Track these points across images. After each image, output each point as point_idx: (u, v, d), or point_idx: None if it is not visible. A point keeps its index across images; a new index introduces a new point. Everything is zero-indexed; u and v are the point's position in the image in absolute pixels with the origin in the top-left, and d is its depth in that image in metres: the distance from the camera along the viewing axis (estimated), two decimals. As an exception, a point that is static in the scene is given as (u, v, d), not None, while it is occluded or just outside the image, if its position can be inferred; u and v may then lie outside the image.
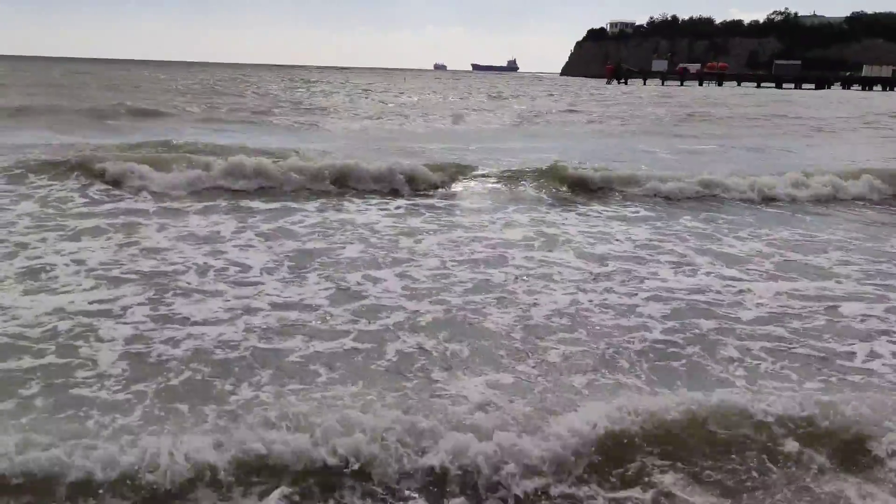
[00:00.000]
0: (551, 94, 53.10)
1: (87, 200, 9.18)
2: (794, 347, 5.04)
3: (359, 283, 6.18)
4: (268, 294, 5.83)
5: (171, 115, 23.56)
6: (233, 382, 4.24)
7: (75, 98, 28.80)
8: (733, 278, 6.66)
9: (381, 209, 9.44)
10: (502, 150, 16.19)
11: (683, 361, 4.75)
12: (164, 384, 4.19)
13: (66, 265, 6.39)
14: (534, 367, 4.57)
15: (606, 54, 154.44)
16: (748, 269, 7.00)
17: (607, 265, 6.98)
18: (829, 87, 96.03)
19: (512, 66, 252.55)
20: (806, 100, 55.43)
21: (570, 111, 34.62)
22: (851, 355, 4.93)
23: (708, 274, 6.82)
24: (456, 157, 14.30)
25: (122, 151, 12.26)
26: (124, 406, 3.91)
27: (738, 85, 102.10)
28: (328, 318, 5.35)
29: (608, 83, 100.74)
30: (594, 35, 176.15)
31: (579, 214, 9.67)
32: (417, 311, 5.53)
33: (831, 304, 5.98)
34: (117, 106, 24.64)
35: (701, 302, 5.95)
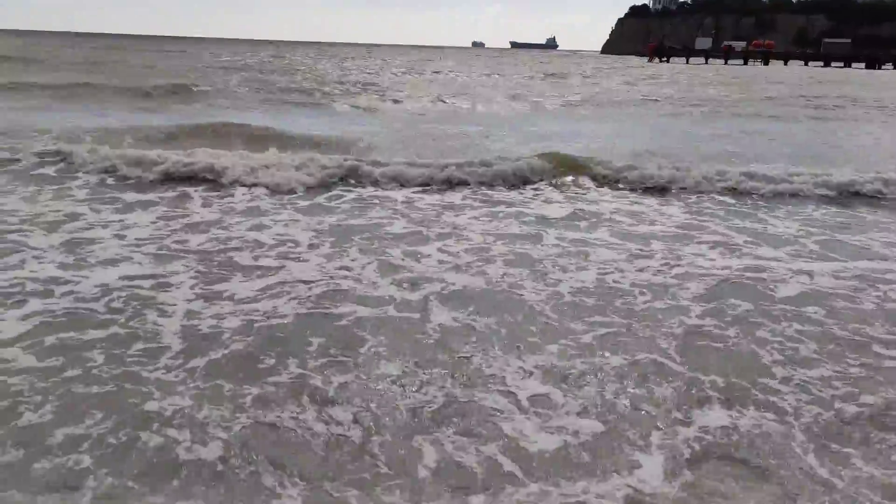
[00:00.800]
0: (602, 72, 52.31)
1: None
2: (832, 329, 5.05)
3: (402, 258, 6.31)
4: (314, 268, 5.99)
5: (238, 97, 22.53)
6: (279, 357, 4.42)
7: (132, 76, 28.33)
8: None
9: (422, 187, 9.53)
10: (586, 135, 15.93)
11: (720, 345, 4.79)
12: (216, 357, 4.39)
13: (116, 238, 6.65)
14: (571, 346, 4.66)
15: (648, 31, 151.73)
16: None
17: (650, 244, 7.01)
18: (879, 68, 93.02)
19: (551, 44, 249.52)
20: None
21: (633, 91, 34.04)
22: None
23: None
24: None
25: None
26: (178, 381, 4.12)
27: (785, 64, 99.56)
28: (374, 289, 5.50)
29: (650, 61, 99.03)
30: (637, 12, 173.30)
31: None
32: (456, 283, 5.65)
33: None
34: (177, 86, 23.78)
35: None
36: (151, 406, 3.77)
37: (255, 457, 3.38)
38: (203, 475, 3.23)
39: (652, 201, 9.31)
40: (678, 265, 6.46)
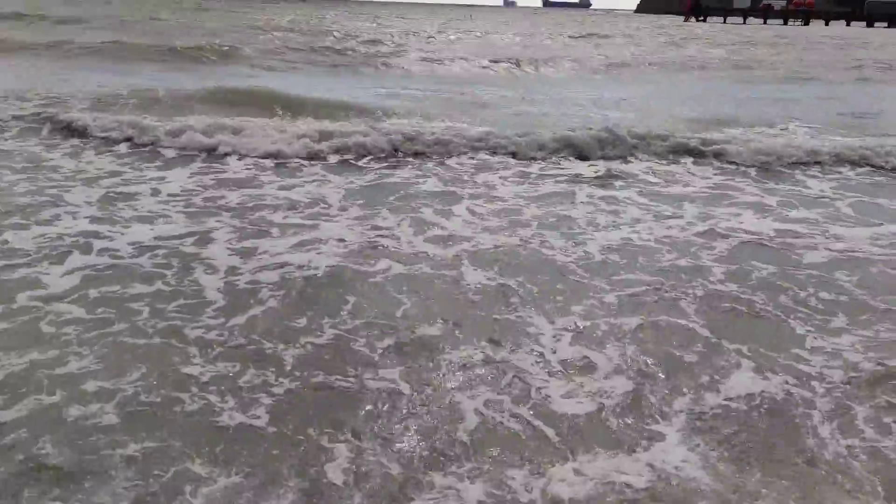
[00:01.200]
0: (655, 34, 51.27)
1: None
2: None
3: (435, 216, 6.35)
4: (346, 226, 6.06)
5: (275, 59, 21.22)
6: (318, 316, 4.51)
7: (169, 36, 27.86)
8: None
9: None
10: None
11: (745, 308, 4.78)
12: (256, 315, 4.49)
13: (154, 194, 6.79)
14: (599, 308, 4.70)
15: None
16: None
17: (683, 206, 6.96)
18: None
19: (584, 3, 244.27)
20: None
21: (679, 52, 33.22)
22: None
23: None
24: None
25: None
26: (220, 340, 4.24)
27: (826, 24, 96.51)
28: (408, 247, 5.57)
29: (686, 20, 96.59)
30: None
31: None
32: (488, 242, 5.69)
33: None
34: (215, 47, 21.95)
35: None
36: (195, 363, 3.87)
37: (301, 417, 3.45)
38: (248, 438, 3.28)
39: (688, 161, 9.20)
40: (709, 226, 6.42)
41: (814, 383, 3.87)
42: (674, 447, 3.29)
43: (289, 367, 3.85)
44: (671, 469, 3.14)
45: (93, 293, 4.66)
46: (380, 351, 4.06)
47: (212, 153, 8.64)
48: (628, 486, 3.03)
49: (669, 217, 6.70)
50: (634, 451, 3.27)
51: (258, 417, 3.41)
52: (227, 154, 8.60)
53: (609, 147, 9.37)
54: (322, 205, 6.76)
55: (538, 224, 6.38)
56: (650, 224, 6.47)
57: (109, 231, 5.80)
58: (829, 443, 3.36)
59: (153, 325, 4.25)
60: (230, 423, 3.35)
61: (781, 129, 11.70)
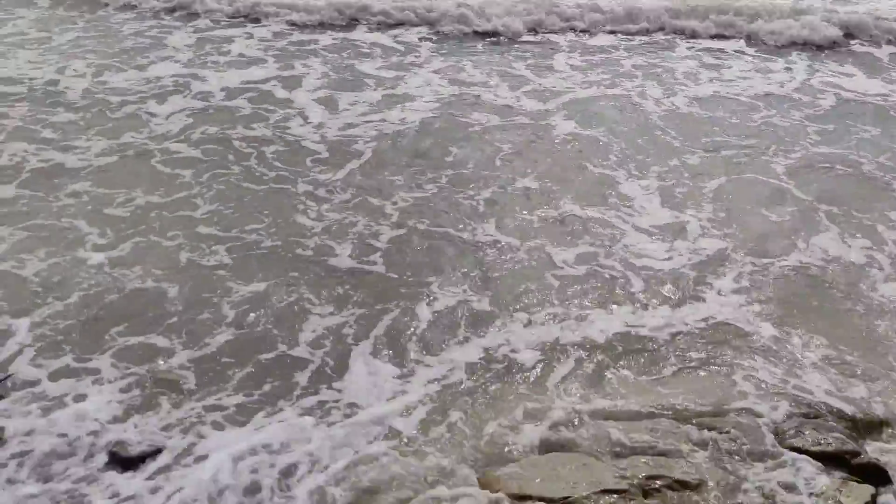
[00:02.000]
0: None
1: None
2: None
3: (529, 69, 6.31)
4: (440, 77, 6.11)
5: None
6: (418, 165, 4.72)
7: None
8: None
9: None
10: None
11: (843, 169, 4.73)
12: (360, 165, 4.73)
13: (246, 40, 6.92)
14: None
15: None
16: None
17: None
18: None
19: None
20: None
21: None
22: None
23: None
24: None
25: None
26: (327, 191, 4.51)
27: None
28: (502, 99, 5.64)
29: None
30: None
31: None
32: (582, 95, 5.70)
33: None
34: None
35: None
36: (309, 212, 4.12)
37: (409, 259, 3.73)
38: (364, 279, 3.58)
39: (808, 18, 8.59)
40: (811, 85, 6.18)
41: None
42: (734, 298, 3.46)
43: (395, 218, 4.09)
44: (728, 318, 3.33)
45: (197, 135, 4.96)
46: (478, 202, 4.25)
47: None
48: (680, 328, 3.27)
49: (773, 73, 6.48)
50: (698, 302, 3.45)
51: (373, 263, 3.70)
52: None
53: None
54: (414, 54, 6.77)
55: (638, 77, 6.26)
56: (754, 80, 6.29)
57: (206, 75, 6.03)
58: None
59: (262, 172, 4.54)
60: (342, 266, 3.67)
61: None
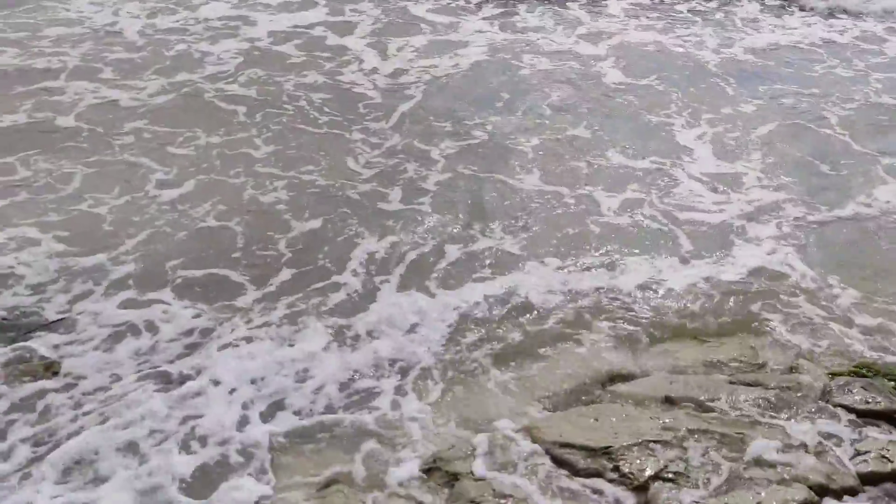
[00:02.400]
0: None
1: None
2: None
3: (583, 12, 6.21)
4: (489, 24, 6.07)
5: None
6: (468, 109, 4.74)
7: None
8: None
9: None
10: None
11: None
12: (409, 110, 4.75)
13: None
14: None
15: None
16: None
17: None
18: None
19: None
20: None
21: None
22: None
23: None
24: None
25: None
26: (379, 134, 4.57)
27: None
28: (554, 45, 5.60)
29: None
30: None
31: None
32: (635, 39, 5.62)
33: None
34: None
35: None
36: (361, 155, 4.19)
37: (453, 205, 3.79)
38: (415, 218, 3.67)
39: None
40: (875, 33, 5.99)
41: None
42: (784, 251, 3.46)
43: (442, 163, 4.14)
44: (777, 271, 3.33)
45: (249, 75, 5.03)
46: (526, 149, 4.27)
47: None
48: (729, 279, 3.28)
49: (836, 19, 6.28)
50: (746, 254, 3.45)
51: (421, 203, 3.78)
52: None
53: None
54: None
55: (695, 24, 6.14)
56: (816, 27, 6.11)
57: (256, 17, 6.03)
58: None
59: (315, 116, 4.59)
60: (392, 209, 3.75)
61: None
